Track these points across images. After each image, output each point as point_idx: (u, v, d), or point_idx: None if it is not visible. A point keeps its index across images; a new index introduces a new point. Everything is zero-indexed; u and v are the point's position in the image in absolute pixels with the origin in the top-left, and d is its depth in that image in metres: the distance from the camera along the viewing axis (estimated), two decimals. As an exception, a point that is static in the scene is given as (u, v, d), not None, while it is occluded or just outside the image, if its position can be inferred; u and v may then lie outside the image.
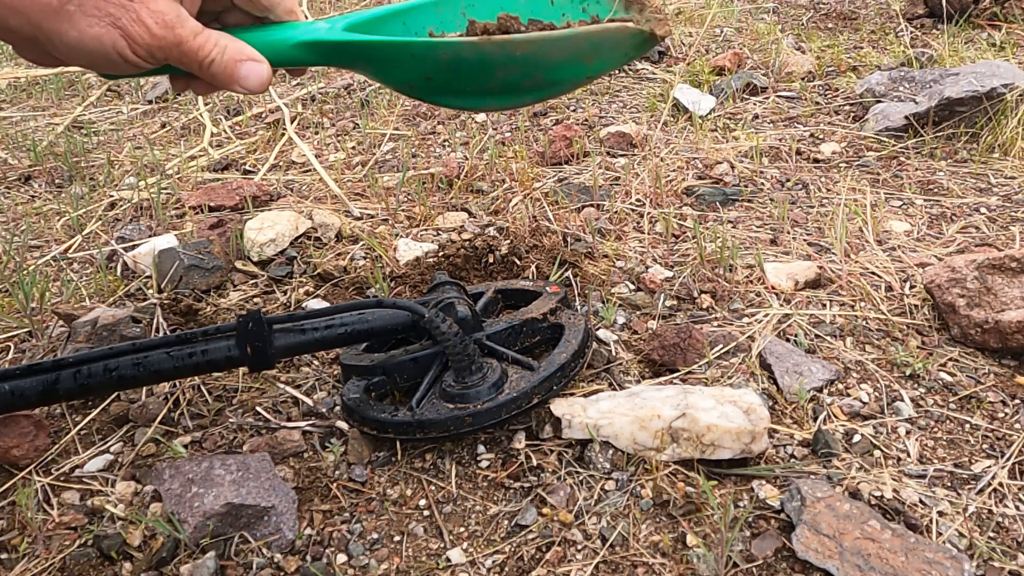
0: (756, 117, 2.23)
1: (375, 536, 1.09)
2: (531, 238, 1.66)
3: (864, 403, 1.24)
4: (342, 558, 1.06)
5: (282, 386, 1.36)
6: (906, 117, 2.04)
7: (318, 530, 1.11)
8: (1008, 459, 1.14)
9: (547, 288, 1.41)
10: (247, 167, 2.17)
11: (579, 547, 1.05)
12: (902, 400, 1.24)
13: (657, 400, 1.16)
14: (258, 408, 1.32)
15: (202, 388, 1.36)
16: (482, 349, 1.26)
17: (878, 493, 1.08)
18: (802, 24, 2.93)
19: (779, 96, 2.35)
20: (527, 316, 1.31)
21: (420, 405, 1.18)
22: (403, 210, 1.85)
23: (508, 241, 1.66)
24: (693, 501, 1.09)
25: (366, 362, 1.29)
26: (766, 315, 1.43)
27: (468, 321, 1.25)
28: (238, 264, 1.67)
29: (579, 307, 1.46)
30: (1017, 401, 1.23)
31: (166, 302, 1.53)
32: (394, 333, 1.26)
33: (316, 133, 2.34)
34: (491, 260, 1.64)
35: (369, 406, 1.22)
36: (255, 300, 1.56)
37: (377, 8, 1.01)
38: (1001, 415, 1.21)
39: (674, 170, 1.96)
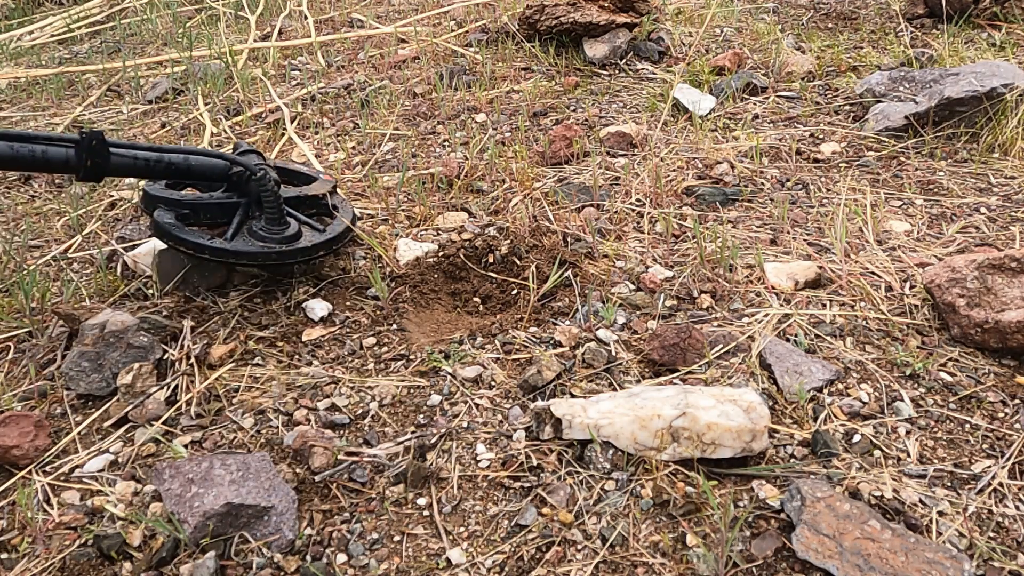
0: (756, 117, 2.23)
1: (375, 536, 1.09)
2: (531, 238, 1.66)
3: (864, 403, 1.24)
4: (342, 558, 1.06)
5: (283, 385, 1.36)
6: (906, 117, 2.04)
7: (318, 530, 1.11)
8: (1008, 459, 1.14)
9: (321, 175, 1.75)
10: (247, 167, 2.16)
11: (579, 547, 1.05)
12: (902, 400, 1.24)
13: (657, 400, 1.16)
14: (258, 407, 1.32)
15: (202, 388, 1.36)
16: None
17: (878, 493, 1.08)
18: (802, 24, 2.93)
19: (779, 96, 2.35)
20: (310, 193, 1.66)
21: (233, 239, 1.50)
22: (403, 210, 1.85)
23: (508, 241, 1.66)
24: (693, 501, 1.09)
25: (176, 196, 1.52)
26: (766, 315, 1.43)
27: (276, 182, 1.55)
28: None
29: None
30: (1017, 401, 1.23)
31: (166, 302, 1.53)
32: (212, 179, 1.54)
33: (316, 133, 2.34)
34: (491, 260, 1.64)
35: (184, 231, 1.47)
36: (255, 300, 1.56)
37: None
38: (1001, 415, 1.21)
39: (674, 170, 1.96)
